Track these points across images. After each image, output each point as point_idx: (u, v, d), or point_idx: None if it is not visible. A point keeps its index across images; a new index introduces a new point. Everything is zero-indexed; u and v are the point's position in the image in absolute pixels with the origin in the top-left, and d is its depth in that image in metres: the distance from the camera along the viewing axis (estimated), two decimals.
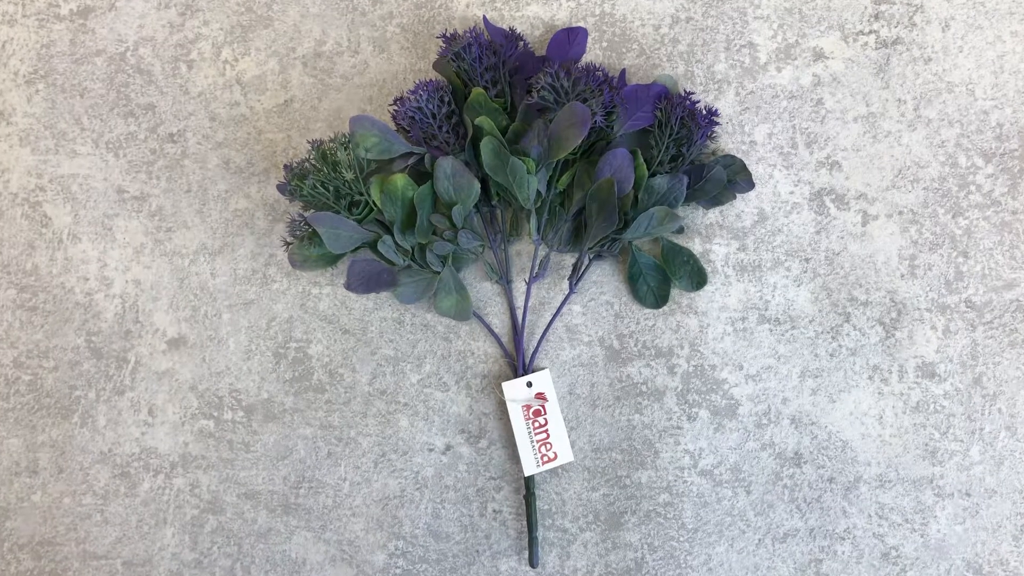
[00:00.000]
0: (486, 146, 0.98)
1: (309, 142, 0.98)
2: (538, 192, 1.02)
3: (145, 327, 1.10)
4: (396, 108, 1.02)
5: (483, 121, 0.97)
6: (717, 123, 1.02)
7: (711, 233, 1.08)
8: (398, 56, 1.10)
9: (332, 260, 1.00)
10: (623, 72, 1.02)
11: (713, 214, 1.08)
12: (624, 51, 1.08)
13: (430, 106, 1.01)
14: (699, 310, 1.07)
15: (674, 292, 1.07)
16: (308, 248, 0.98)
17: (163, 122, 1.11)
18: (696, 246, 1.07)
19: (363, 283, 0.97)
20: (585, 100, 0.98)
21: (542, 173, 1.01)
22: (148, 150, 1.11)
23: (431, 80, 1.02)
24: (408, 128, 1.02)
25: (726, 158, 1.05)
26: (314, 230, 0.96)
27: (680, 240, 1.08)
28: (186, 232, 1.10)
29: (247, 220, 1.09)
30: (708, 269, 1.07)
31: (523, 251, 1.09)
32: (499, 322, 1.08)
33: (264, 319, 1.09)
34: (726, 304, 1.07)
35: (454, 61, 1.02)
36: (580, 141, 0.96)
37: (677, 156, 1.03)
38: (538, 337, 1.08)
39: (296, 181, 0.95)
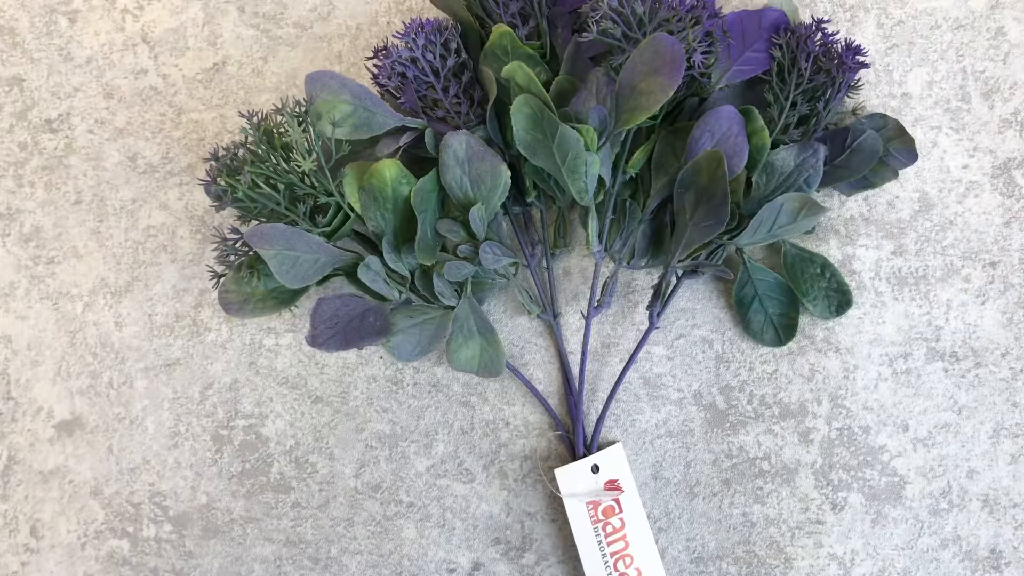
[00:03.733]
0: (520, 110, 0.63)
1: (243, 115, 0.62)
2: (599, 180, 0.66)
3: (21, 406, 0.74)
4: (379, 62, 0.67)
5: (514, 70, 0.62)
6: (866, 64, 0.67)
7: (853, 231, 0.73)
8: None
9: (288, 299, 0.64)
10: None
11: (855, 202, 0.73)
12: None
13: (429, 56, 0.66)
14: (841, 345, 0.72)
15: (803, 320, 0.72)
16: (250, 282, 0.62)
17: (36, 103, 0.76)
18: (832, 251, 0.72)
19: (336, 334, 0.61)
20: (671, 34, 0.63)
21: (605, 150, 0.66)
22: (15, 145, 0.75)
23: (429, 19, 0.67)
24: (397, 92, 0.67)
25: (873, 118, 0.70)
26: (257, 254, 0.61)
27: (810, 243, 0.73)
28: (76, 263, 0.74)
29: (166, 241, 0.74)
30: (852, 284, 0.72)
31: (575, 269, 0.73)
32: (544, 376, 0.73)
33: (197, 386, 0.73)
34: (879, 335, 0.72)
35: None
36: (671, 94, 0.60)
37: (806, 117, 0.68)
38: (604, 396, 0.72)
39: (226, 178, 0.60)
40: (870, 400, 0.72)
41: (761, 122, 0.65)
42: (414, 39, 0.66)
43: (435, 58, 0.67)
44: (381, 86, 0.68)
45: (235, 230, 0.63)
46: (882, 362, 0.72)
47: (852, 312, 0.72)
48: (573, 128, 0.63)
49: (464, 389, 0.74)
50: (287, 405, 0.74)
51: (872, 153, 0.68)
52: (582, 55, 0.69)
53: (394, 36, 0.67)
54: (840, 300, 0.72)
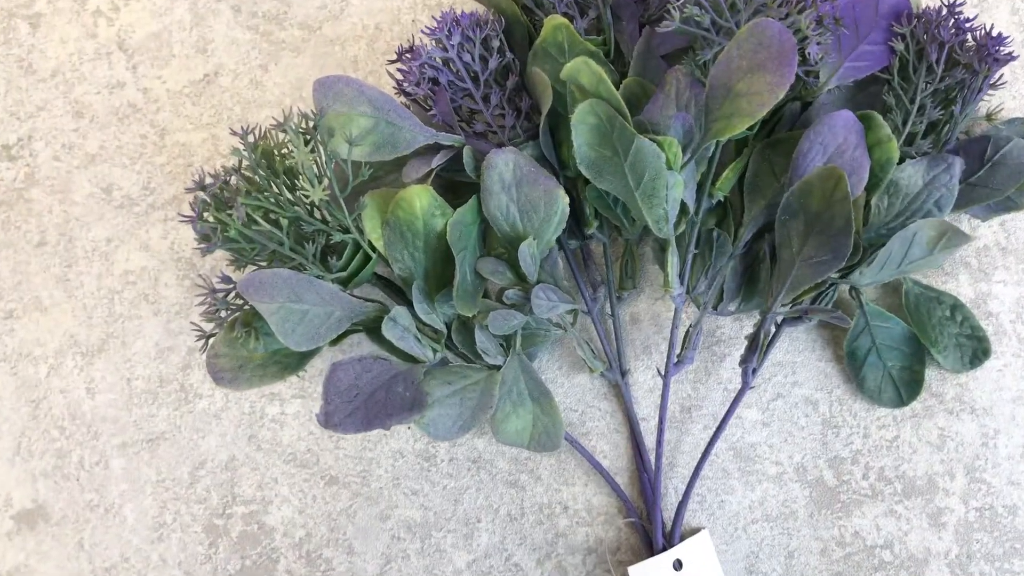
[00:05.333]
0: (584, 120, 0.50)
1: (236, 133, 0.49)
2: (682, 206, 0.53)
3: None
4: (404, 66, 0.54)
5: (578, 69, 0.49)
6: (1013, 56, 0.53)
7: (988, 263, 0.59)
8: None
9: (294, 364, 0.51)
10: None
11: (990, 228, 0.59)
12: None
13: (466, 57, 0.53)
14: (977, 405, 0.58)
15: (929, 374, 0.58)
16: (246, 344, 0.49)
17: None
18: (963, 288, 0.59)
19: (356, 411, 0.47)
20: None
21: (689, 169, 0.53)
22: None
23: (465, 12, 0.54)
24: (427, 102, 0.54)
25: (1014, 124, 0.57)
26: (254, 309, 0.47)
27: (935, 279, 0.59)
28: (40, 317, 0.61)
29: (147, 290, 0.61)
30: (988, 329, 0.58)
31: (645, 315, 0.60)
32: (610, 448, 0.59)
33: (186, 466, 0.60)
34: None
35: None
36: (781, 96, 0.47)
37: (936, 124, 0.55)
38: (686, 473, 0.59)
39: (214, 212, 0.47)
40: (1016, 472, 0.58)
41: (887, 130, 0.52)
42: (448, 36, 0.53)
43: (474, 59, 0.54)
44: (407, 95, 0.55)
45: (226, 278, 0.50)
46: None
47: (990, 363, 0.58)
48: (652, 141, 0.49)
49: (512, 465, 0.60)
50: (295, 488, 0.60)
51: (1019, 168, 0.54)
52: (654, 53, 0.56)
53: (423, 32, 0.54)
54: (975, 349, 0.58)
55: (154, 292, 0.61)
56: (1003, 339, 0.59)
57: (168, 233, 0.62)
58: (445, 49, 0.54)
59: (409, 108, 0.55)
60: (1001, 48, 0.53)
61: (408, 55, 0.55)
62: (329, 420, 0.46)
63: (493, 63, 0.54)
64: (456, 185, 0.57)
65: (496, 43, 0.55)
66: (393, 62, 0.56)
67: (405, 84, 0.55)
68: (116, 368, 0.61)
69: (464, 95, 0.55)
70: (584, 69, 0.48)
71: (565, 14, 0.55)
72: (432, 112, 0.54)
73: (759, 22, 0.48)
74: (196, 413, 0.61)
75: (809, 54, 0.50)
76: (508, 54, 0.55)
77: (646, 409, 0.60)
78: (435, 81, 0.54)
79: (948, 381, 0.59)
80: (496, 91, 0.55)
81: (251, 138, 0.49)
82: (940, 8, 0.54)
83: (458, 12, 0.55)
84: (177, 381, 0.61)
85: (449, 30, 0.54)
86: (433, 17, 0.57)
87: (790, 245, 0.53)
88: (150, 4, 0.63)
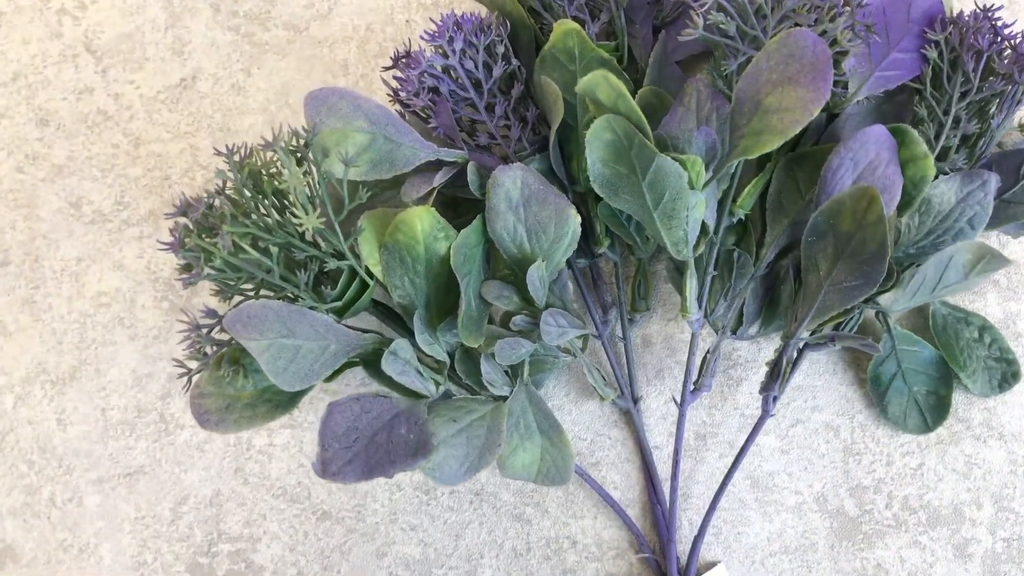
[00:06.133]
0: (599, 136, 0.46)
1: (220, 152, 0.45)
2: (702, 226, 0.49)
3: None
4: (401, 72, 0.50)
5: (596, 82, 0.45)
6: None
7: (1018, 282, 0.56)
8: None
9: (286, 402, 0.47)
10: None
11: (1020, 245, 0.57)
12: None
13: (469, 64, 0.49)
14: (1006, 431, 0.56)
15: (956, 398, 0.55)
16: (234, 382, 0.45)
17: None
18: (992, 308, 0.56)
19: (356, 457, 0.43)
20: (806, 27, 0.46)
21: (711, 187, 0.49)
22: None
23: (467, 15, 0.50)
24: (427, 112, 0.50)
25: None
26: (241, 346, 0.43)
27: (962, 298, 0.56)
28: (4, 344, 0.57)
29: (122, 313, 0.57)
30: (1018, 351, 0.55)
31: (657, 337, 0.57)
32: (621, 479, 0.56)
33: (167, 501, 0.56)
34: None
35: None
36: (816, 112, 0.44)
37: (974, 137, 0.51)
38: (701, 504, 0.56)
39: (197, 240, 0.43)
40: None
41: (922, 146, 0.48)
42: (449, 42, 0.49)
43: (477, 67, 0.50)
44: (405, 105, 0.51)
45: (211, 312, 0.46)
46: None
47: (1019, 387, 0.56)
48: (674, 159, 0.46)
49: (517, 498, 0.56)
50: (285, 523, 0.56)
51: None
52: (669, 59, 0.52)
53: (423, 37, 0.50)
54: (1005, 372, 0.55)
55: (130, 315, 0.57)
56: None
57: (144, 251, 0.57)
58: (446, 56, 0.49)
59: (408, 121, 0.51)
60: None
61: (405, 61, 0.51)
62: (327, 469, 0.42)
63: (498, 71, 0.50)
64: (458, 201, 0.53)
65: (501, 49, 0.51)
66: (388, 68, 0.52)
67: (402, 94, 0.50)
68: (89, 397, 0.57)
69: (466, 105, 0.51)
70: (602, 83, 0.44)
71: (575, 18, 0.51)
72: (432, 124, 0.50)
73: (792, 32, 0.44)
74: (178, 445, 0.57)
75: (844, 67, 0.46)
76: (514, 61, 0.51)
77: (659, 437, 0.56)
78: (435, 91, 0.50)
79: (975, 406, 0.56)
80: (500, 101, 0.51)
81: (237, 157, 0.44)
82: (976, 13, 0.50)
83: (458, 14, 0.50)
84: (156, 411, 0.57)
85: (452, 35, 0.49)
86: (432, 20, 0.53)
87: (817, 268, 0.49)
88: (120, 2, 0.58)
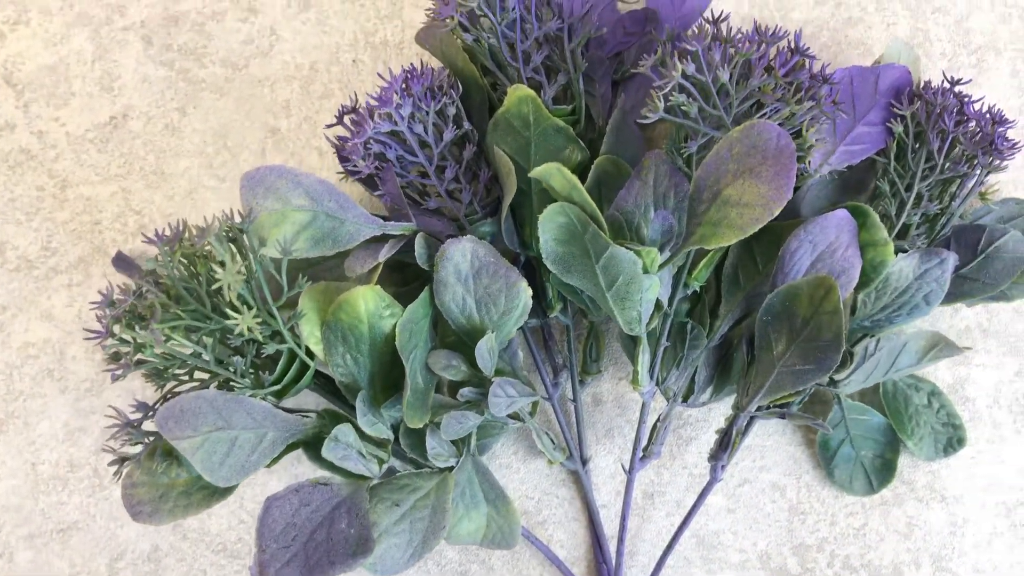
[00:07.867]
0: (552, 220, 0.44)
1: (149, 240, 0.42)
2: (656, 302, 0.48)
3: None
4: (345, 135, 0.47)
5: (550, 173, 0.43)
6: (1019, 148, 0.49)
7: (969, 347, 0.56)
8: (338, 18, 0.54)
9: (223, 490, 0.45)
10: (797, 37, 0.47)
11: (971, 313, 0.56)
12: None
13: (418, 128, 0.46)
14: (948, 493, 0.56)
15: (903, 461, 0.56)
16: (168, 472, 0.43)
17: None
18: (942, 372, 0.56)
19: (295, 557, 0.42)
20: (769, 114, 0.44)
21: (666, 269, 0.47)
22: None
23: (415, 68, 0.47)
24: (373, 179, 0.48)
25: (1007, 204, 0.53)
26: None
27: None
28: None
29: (51, 364, 0.54)
30: (965, 415, 0.55)
31: (608, 396, 0.56)
32: (567, 537, 0.56)
33: (103, 557, 0.55)
34: (996, 479, 0.56)
35: (464, 28, 0.47)
36: (776, 212, 0.42)
37: (928, 214, 0.50)
38: (646, 561, 0.56)
39: (126, 330, 0.40)
40: (982, 561, 0.57)
41: (883, 233, 0.47)
42: (398, 100, 0.46)
43: (427, 131, 0.47)
44: (351, 172, 0.48)
45: (141, 405, 0.44)
46: (998, 512, 0.56)
47: (963, 452, 0.56)
48: (629, 250, 0.44)
49: (461, 555, 0.56)
50: None
51: (1016, 262, 0.50)
52: (629, 124, 0.50)
53: (370, 98, 0.47)
54: (951, 437, 0.55)
55: (60, 367, 0.54)
56: (978, 425, 0.56)
57: (74, 300, 0.54)
58: (394, 121, 0.47)
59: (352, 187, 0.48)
60: (1008, 140, 0.48)
61: (351, 116, 0.48)
62: (265, 570, 0.41)
63: (449, 134, 0.48)
64: (403, 265, 0.50)
65: (452, 111, 0.48)
66: (332, 125, 0.49)
67: (347, 157, 0.48)
68: (18, 451, 0.55)
69: (415, 169, 0.48)
70: (556, 174, 0.42)
71: (531, 79, 0.48)
72: (379, 192, 0.48)
73: (754, 124, 0.42)
74: (113, 500, 0.55)
75: (809, 162, 0.44)
76: (465, 124, 0.49)
77: (607, 496, 0.56)
78: (382, 157, 0.47)
79: (920, 468, 0.56)
80: (451, 165, 0.48)
81: (169, 244, 0.42)
82: (943, 88, 0.49)
83: (409, 71, 0.47)
84: (90, 465, 0.55)
85: (400, 99, 0.46)
86: (377, 68, 0.50)
87: (771, 348, 0.48)
88: (42, 31, 0.54)
